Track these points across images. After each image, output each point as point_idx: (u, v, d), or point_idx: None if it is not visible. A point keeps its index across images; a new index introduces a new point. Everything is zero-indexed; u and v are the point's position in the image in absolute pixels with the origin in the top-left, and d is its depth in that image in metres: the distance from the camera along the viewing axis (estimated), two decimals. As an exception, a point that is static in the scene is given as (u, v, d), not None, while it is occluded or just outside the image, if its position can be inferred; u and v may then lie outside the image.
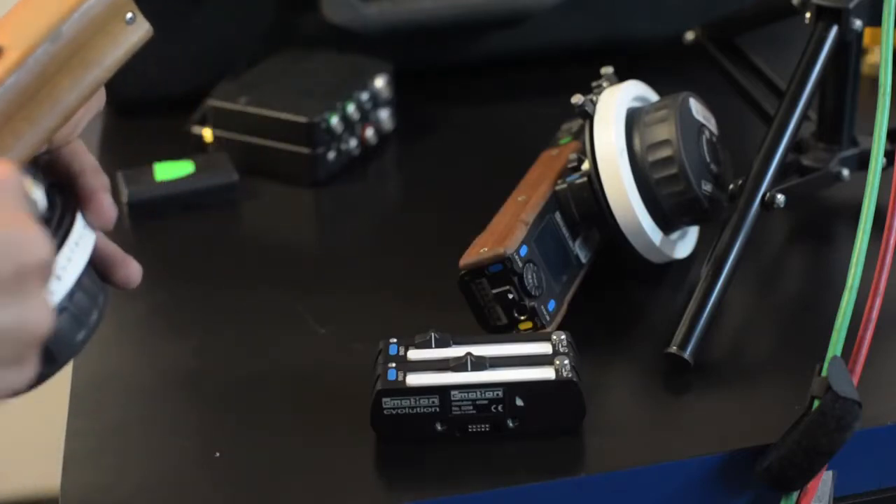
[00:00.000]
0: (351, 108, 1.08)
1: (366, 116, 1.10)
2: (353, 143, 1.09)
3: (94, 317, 0.68)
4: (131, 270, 0.70)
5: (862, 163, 0.96)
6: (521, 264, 0.83)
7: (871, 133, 0.85)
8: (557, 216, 0.89)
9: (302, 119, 1.05)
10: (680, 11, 1.19)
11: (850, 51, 0.95)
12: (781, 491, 0.76)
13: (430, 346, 0.79)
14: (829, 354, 0.78)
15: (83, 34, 0.70)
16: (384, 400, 0.77)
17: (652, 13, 1.21)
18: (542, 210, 0.88)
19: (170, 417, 0.84)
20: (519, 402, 0.77)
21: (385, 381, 0.77)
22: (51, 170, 0.69)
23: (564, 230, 0.90)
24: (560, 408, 0.77)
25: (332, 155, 1.07)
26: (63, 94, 0.69)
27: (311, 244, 1.06)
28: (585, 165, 0.89)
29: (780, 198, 0.89)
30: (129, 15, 0.72)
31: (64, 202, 0.67)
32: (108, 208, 0.68)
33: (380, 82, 1.11)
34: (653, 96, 0.95)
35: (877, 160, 0.83)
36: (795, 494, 0.76)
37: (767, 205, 0.89)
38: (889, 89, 0.85)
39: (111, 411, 0.84)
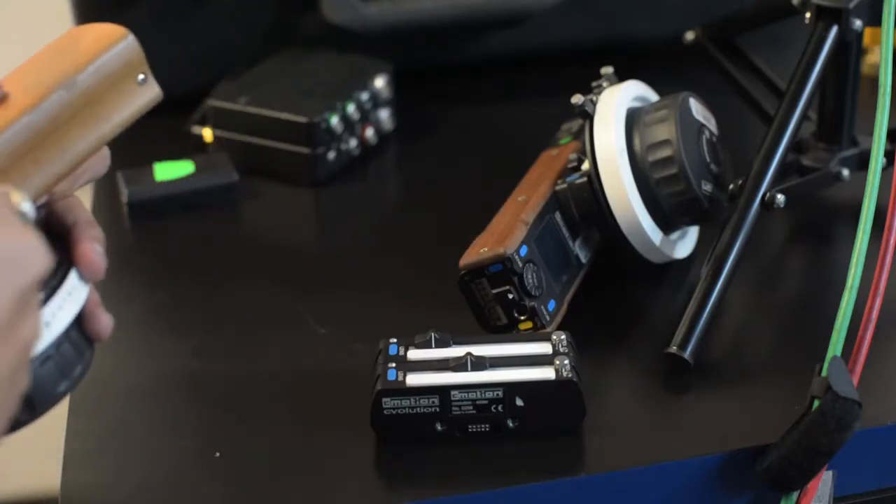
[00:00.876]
0: (351, 108, 1.08)
1: (366, 116, 1.10)
2: (353, 143, 1.09)
3: (77, 370, 0.68)
4: (101, 325, 0.70)
5: (862, 163, 0.96)
6: (521, 264, 0.83)
7: (871, 133, 0.85)
8: (557, 216, 0.89)
9: (302, 119, 1.05)
10: (680, 11, 1.19)
11: (850, 51, 0.95)
12: (781, 491, 0.76)
13: (430, 346, 0.79)
14: (829, 354, 0.78)
15: (96, 87, 0.72)
16: (384, 400, 0.77)
17: (652, 13, 1.21)
18: (542, 210, 0.88)
19: (170, 417, 0.84)
20: (519, 402, 0.77)
21: (385, 381, 0.77)
22: (47, 222, 0.70)
23: (564, 230, 0.90)
24: (560, 408, 0.77)
25: (332, 155, 1.07)
26: (71, 143, 0.70)
27: (311, 244, 1.06)
28: (585, 165, 0.89)
29: (780, 198, 0.89)
30: (142, 76, 0.74)
31: (60, 253, 0.68)
32: (96, 260, 0.69)
33: (380, 82, 1.11)
34: (653, 96, 0.95)
35: (877, 160, 0.83)
36: (795, 494, 0.76)
37: (767, 205, 0.89)
38: (889, 89, 0.85)
39: (111, 411, 0.84)
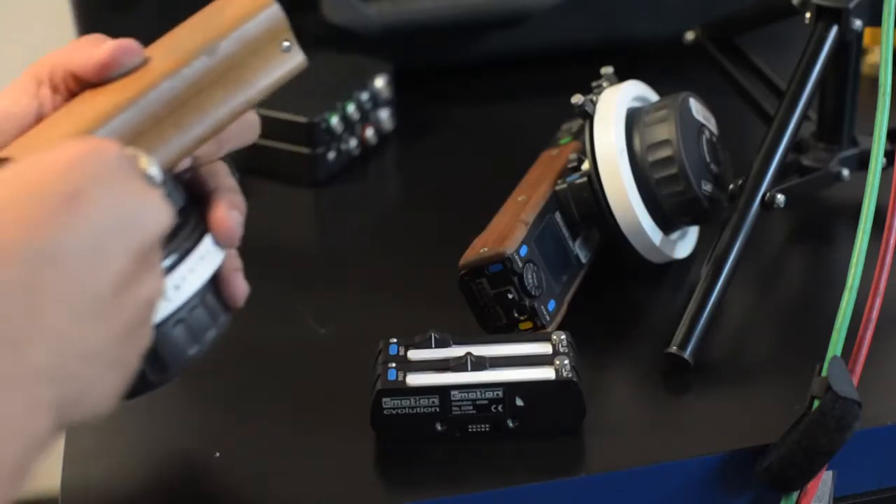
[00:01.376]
0: (351, 108, 1.08)
1: (366, 116, 1.10)
2: (353, 143, 1.09)
3: (210, 334, 0.70)
4: (237, 291, 0.72)
5: (862, 163, 0.96)
6: (521, 264, 0.83)
7: (871, 133, 0.85)
8: (557, 216, 0.89)
9: (302, 119, 1.05)
10: (680, 11, 1.19)
11: (850, 51, 0.95)
12: (781, 491, 0.76)
13: (430, 346, 0.79)
14: (829, 354, 0.78)
15: (239, 53, 0.73)
16: (384, 400, 0.77)
17: (652, 13, 1.21)
18: (542, 210, 0.88)
19: (170, 417, 0.84)
20: (519, 402, 0.77)
21: (385, 381, 0.77)
22: (190, 186, 0.72)
23: (564, 230, 0.90)
24: (560, 408, 0.77)
25: (332, 155, 1.07)
26: (213, 108, 0.71)
27: (311, 244, 1.06)
28: (585, 165, 0.89)
29: (780, 198, 0.89)
30: (286, 43, 0.76)
31: (197, 218, 0.70)
32: (231, 226, 0.71)
33: (380, 82, 1.11)
34: (653, 96, 0.95)
35: (877, 160, 0.83)
36: (795, 494, 0.76)
37: (767, 205, 0.89)
38: (889, 89, 0.85)
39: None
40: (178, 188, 0.69)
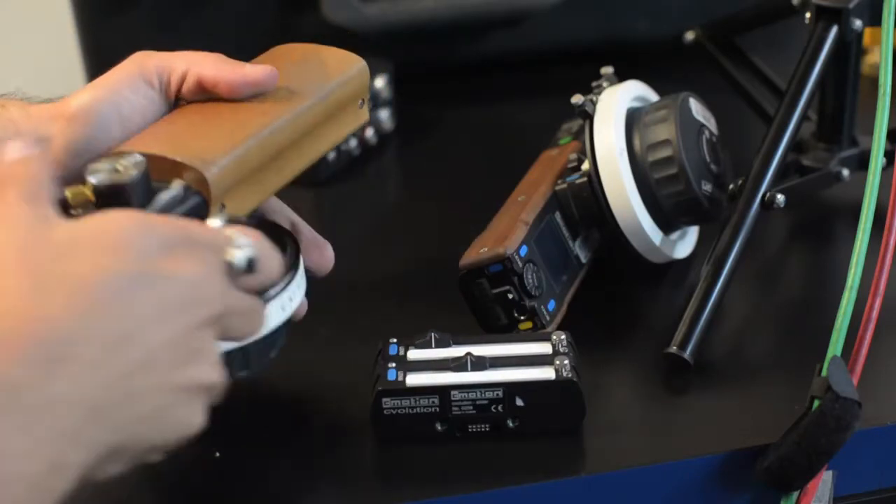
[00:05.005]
0: (351, 108, 1.08)
1: (366, 116, 1.10)
2: (353, 143, 1.09)
3: (283, 340, 0.75)
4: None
5: (862, 163, 0.96)
6: (521, 264, 0.83)
7: (871, 133, 0.85)
8: (557, 216, 0.89)
9: (302, 119, 1.05)
10: (680, 11, 1.19)
11: (850, 51, 0.95)
12: (781, 491, 0.76)
13: (430, 346, 0.79)
14: (829, 354, 0.78)
15: (334, 105, 0.77)
16: (384, 400, 0.77)
17: (652, 13, 1.21)
18: (542, 210, 0.88)
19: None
20: (519, 402, 0.77)
21: (385, 381, 0.77)
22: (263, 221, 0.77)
23: (564, 230, 0.90)
24: (560, 408, 0.77)
25: (331, 155, 1.07)
26: (295, 161, 0.76)
27: (311, 244, 1.06)
28: (585, 165, 0.89)
29: (780, 198, 0.89)
30: (361, 101, 0.79)
31: (293, 242, 0.76)
32: (331, 261, 0.81)
33: (380, 82, 1.11)
34: (653, 96, 0.95)
35: (877, 160, 0.83)
36: (795, 494, 0.76)
37: (767, 205, 0.89)
38: (889, 89, 0.85)
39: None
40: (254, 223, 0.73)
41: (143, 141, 0.70)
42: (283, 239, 0.76)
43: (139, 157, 0.67)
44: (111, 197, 0.65)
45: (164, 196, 0.67)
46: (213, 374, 0.63)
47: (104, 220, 0.60)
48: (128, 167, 0.66)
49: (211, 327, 0.63)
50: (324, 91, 0.76)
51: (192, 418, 0.63)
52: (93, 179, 0.66)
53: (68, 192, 0.67)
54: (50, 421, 0.56)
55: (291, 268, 0.73)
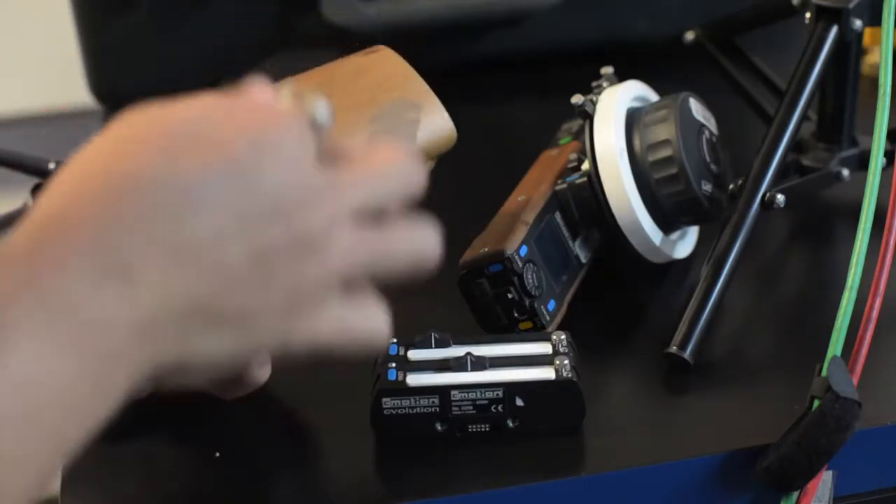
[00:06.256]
0: (351, 108, 1.08)
1: (366, 116, 1.10)
2: (353, 143, 1.09)
3: None
4: None
5: (862, 163, 0.96)
6: (521, 264, 0.83)
7: (871, 133, 0.85)
8: (557, 216, 0.89)
9: (302, 119, 1.05)
10: (680, 11, 1.19)
11: (850, 51, 0.95)
12: (781, 491, 0.76)
13: (430, 346, 0.79)
14: (829, 354, 0.78)
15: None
16: (384, 400, 0.77)
17: (652, 13, 1.21)
18: (542, 210, 0.88)
19: (170, 417, 0.84)
20: (519, 402, 0.77)
21: (385, 381, 0.77)
22: None
23: (564, 230, 0.90)
24: (560, 408, 0.77)
25: (332, 155, 1.07)
26: None
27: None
28: (585, 165, 0.89)
29: (780, 198, 0.89)
30: (432, 163, 0.81)
31: None
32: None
33: (380, 82, 1.11)
34: (653, 96, 0.95)
35: (877, 160, 0.83)
36: (795, 494, 0.76)
37: (767, 205, 0.89)
38: (889, 89, 0.85)
39: (111, 411, 0.84)
40: None
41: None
42: None
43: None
44: None
45: None
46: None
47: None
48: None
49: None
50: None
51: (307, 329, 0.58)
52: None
53: None
54: (100, 341, 0.52)
55: None
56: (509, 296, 0.83)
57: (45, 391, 0.51)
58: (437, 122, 0.78)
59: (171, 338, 0.54)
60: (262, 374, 0.76)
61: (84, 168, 0.55)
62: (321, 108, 0.59)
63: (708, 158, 0.91)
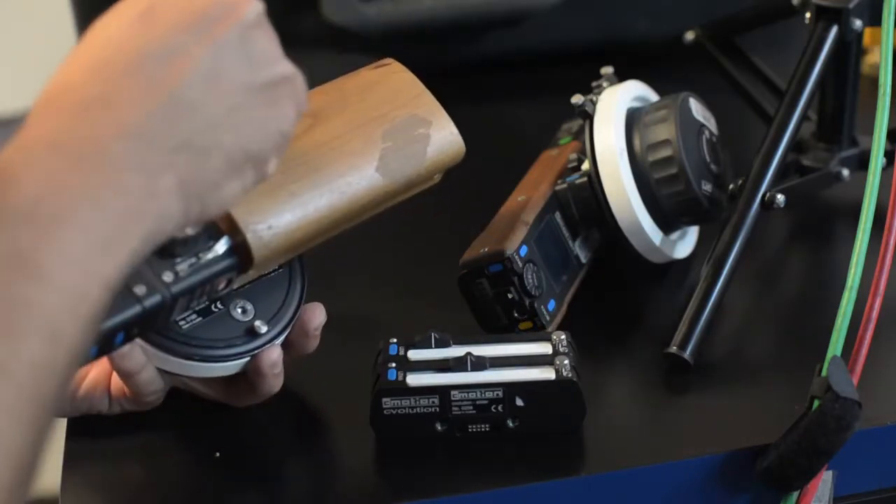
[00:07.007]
0: (351, 108, 1.08)
1: (366, 116, 1.10)
2: (353, 143, 1.09)
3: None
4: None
5: (862, 163, 0.96)
6: (521, 264, 0.83)
7: (871, 133, 0.85)
8: (557, 216, 0.89)
9: (302, 119, 1.05)
10: (680, 11, 1.19)
11: (850, 51, 0.95)
12: (781, 491, 0.76)
13: (430, 346, 0.79)
14: (829, 354, 0.78)
15: (420, 181, 0.82)
16: (384, 400, 0.77)
17: (652, 13, 1.21)
18: (542, 210, 0.88)
19: (170, 417, 0.84)
20: (519, 402, 0.77)
21: (385, 381, 0.77)
22: None
23: (564, 230, 0.90)
24: (560, 408, 0.77)
25: (332, 155, 1.07)
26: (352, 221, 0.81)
27: (311, 244, 1.06)
28: (585, 165, 0.89)
29: (780, 198, 0.89)
30: (439, 176, 0.82)
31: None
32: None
33: (380, 82, 1.11)
34: (653, 96, 0.95)
35: (877, 160, 0.83)
36: (795, 494, 0.76)
37: (767, 205, 0.89)
38: (889, 89, 0.85)
39: (111, 411, 0.84)
40: None
41: None
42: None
43: None
44: None
45: None
46: (284, 68, 0.65)
47: None
48: None
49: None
50: (418, 173, 0.79)
51: (277, 119, 0.65)
52: None
53: None
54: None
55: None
56: (509, 296, 0.83)
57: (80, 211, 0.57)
58: (446, 138, 0.80)
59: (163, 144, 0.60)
60: (276, 383, 0.77)
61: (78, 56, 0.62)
62: None
63: (708, 158, 0.91)
